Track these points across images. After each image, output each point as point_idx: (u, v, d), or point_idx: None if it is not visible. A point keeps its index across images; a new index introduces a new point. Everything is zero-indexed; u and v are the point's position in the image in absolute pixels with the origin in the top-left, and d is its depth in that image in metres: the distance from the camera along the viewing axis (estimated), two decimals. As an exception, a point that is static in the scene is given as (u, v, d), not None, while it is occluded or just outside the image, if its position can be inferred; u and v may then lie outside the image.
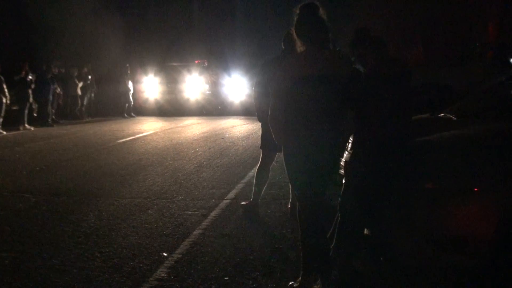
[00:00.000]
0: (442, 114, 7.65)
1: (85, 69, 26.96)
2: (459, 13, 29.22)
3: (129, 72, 28.52)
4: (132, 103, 28.29)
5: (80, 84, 25.94)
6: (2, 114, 20.04)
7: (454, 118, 7.20)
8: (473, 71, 17.51)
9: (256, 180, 8.33)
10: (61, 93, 25.03)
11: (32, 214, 8.36)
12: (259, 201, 8.39)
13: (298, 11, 5.15)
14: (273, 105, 5.11)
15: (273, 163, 8.36)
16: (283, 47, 7.85)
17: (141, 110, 29.06)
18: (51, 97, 23.24)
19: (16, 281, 5.74)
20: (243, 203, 8.54)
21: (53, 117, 23.95)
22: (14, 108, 21.90)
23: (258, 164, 8.35)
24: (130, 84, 28.35)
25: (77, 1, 32.41)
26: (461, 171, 5.43)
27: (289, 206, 8.12)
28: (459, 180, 5.40)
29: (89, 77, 27.10)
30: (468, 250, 5.29)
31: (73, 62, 26.99)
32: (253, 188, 8.37)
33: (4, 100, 19.93)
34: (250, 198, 8.43)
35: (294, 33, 5.18)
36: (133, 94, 28.89)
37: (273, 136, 5.31)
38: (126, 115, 27.16)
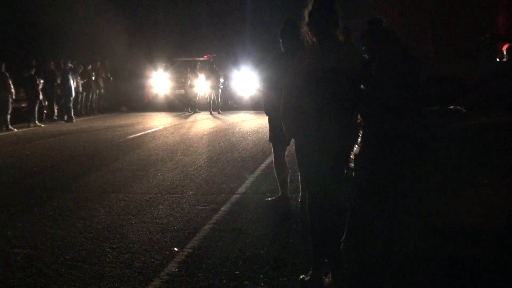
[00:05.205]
0: (451, 107, 7.63)
1: (89, 66, 26.94)
2: (468, 5, 29.08)
3: (215, 66, 28.07)
4: (219, 101, 27.16)
5: (81, 81, 25.75)
6: (10, 111, 20.11)
7: (464, 110, 7.18)
8: (482, 63, 17.43)
9: (276, 174, 8.35)
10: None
11: (43, 211, 8.39)
12: (288, 194, 8.43)
13: (313, 0, 5.10)
14: (285, 99, 5.11)
15: (285, 157, 8.37)
16: (280, 38, 7.87)
17: (150, 106, 29.04)
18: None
19: (28, 277, 5.78)
20: (268, 199, 8.56)
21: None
22: (24, 105, 21.99)
23: (273, 158, 8.37)
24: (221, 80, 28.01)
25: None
26: (471, 163, 5.42)
27: (299, 200, 8.11)
28: (468, 172, 5.40)
29: (93, 73, 27.08)
30: (477, 241, 5.29)
31: (80, 60, 26.99)
32: (277, 182, 8.38)
33: (10, 97, 19.99)
34: (278, 193, 8.45)
35: (306, 22, 5.14)
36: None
37: (284, 130, 5.31)
38: (212, 111, 26.24)
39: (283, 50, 7.93)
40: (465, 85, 13.32)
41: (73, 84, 23.57)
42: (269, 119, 8.26)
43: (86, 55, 28.87)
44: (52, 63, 23.95)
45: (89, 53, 30.01)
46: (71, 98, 23.36)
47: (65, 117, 23.34)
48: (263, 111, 8.37)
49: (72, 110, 23.51)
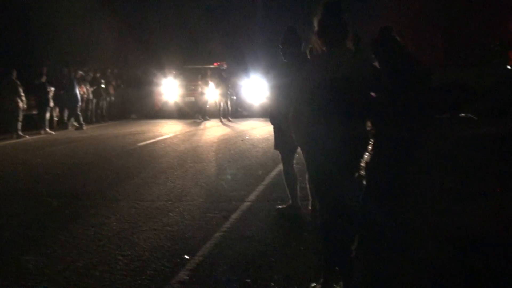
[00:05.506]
0: (463, 114, 7.62)
1: (98, 74, 27.07)
2: (479, 13, 29.01)
3: (223, 73, 28.19)
4: (229, 108, 27.37)
5: (90, 88, 25.90)
6: (20, 118, 20.18)
7: (475, 118, 7.17)
8: (493, 70, 17.36)
9: (286, 182, 8.32)
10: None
11: (54, 218, 8.42)
12: (299, 202, 8.35)
13: (322, 8, 5.10)
14: (295, 107, 5.11)
15: (294, 165, 8.34)
16: (280, 46, 7.84)
17: (160, 113, 29.06)
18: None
19: (40, 284, 5.79)
20: (279, 207, 8.52)
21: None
22: (34, 112, 22.03)
23: (282, 166, 8.35)
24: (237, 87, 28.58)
25: (90, 6, 32.51)
26: (483, 171, 5.41)
27: (309, 207, 8.09)
28: (480, 180, 5.38)
29: (102, 80, 27.23)
30: (489, 249, 5.28)
31: (93, 67, 27.15)
32: (287, 190, 8.35)
33: (20, 105, 20.06)
34: (288, 201, 8.40)
35: (315, 30, 5.14)
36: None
37: (293, 137, 5.31)
38: (222, 118, 26.29)
39: (284, 58, 7.91)
40: (476, 93, 13.25)
41: (78, 91, 23.54)
42: (273, 127, 8.27)
43: (96, 63, 28.96)
44: (65, 70, 24.01)
45: (99, 60, 30.09)
46: (78, 105, 23.36)
47: (69, 125, 23.34)
48: (271, 119, 8.37)
49: (80, 117, 23.53)
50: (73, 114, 23.41)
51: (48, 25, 29.55)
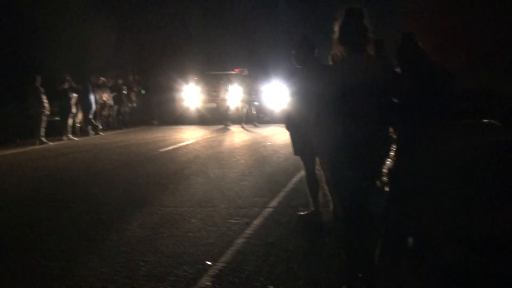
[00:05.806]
0: (485, 120, 7.57)
1: (120, 80, 27.27)
2: (504, 16, 28.79)
3: (246, 79, 28.21)
4: (254, 113, 27.37)
5: (110, 94, 26.07)
6: (44, 124, 20.32)
7: (498, 124, 7.13)
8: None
9: (308, 188, 8.31)
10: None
11: (77, 224, 8.46)
12: (321, 209, 8.33)
13: (343, 15, 5.10)
14: (317, 113, 5.11)
15: (315, 171, 8.32)
16: (293, 52, 7.82)
17: (181, 119, 29.11)
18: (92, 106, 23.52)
19: (63, 290, 5.84)
20: (301, 213, 8.50)
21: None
22: (57, 118, 22.14)
23: (304, 172, 8.35)
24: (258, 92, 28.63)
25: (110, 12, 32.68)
26: (504, 178, 5.38)
27: (331, 207, 8.07)
28: (501, 187, 5.35)
29: (124, 87, 27.43)
30: (508, 256, 5.25)
31: (115, 73, 27.35)
32: (309, 196, 8.33)
33: (44, 111, 20.16)
34: (310, 207, 8.38)
35: (336, 36, 5.13)
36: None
37: (316, 143, 5.32)
38: (244, 124, 26.25)
39: (296, 64, 7.90)
40: (500, 99, 13.16)
41: (94, 97, 23.62)
42: (290, 133, 8.31)
43: (117, 69, 29.11)
44: (92, 76, 24.10)
45: (120, 67, 30.25)
46: (91, 111, 23.42)
47: (89, 130, 23.48)
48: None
49: (93, 121, 23.67)
50: (85, 119, 23.49)
51: (69, 32, 29.78)
